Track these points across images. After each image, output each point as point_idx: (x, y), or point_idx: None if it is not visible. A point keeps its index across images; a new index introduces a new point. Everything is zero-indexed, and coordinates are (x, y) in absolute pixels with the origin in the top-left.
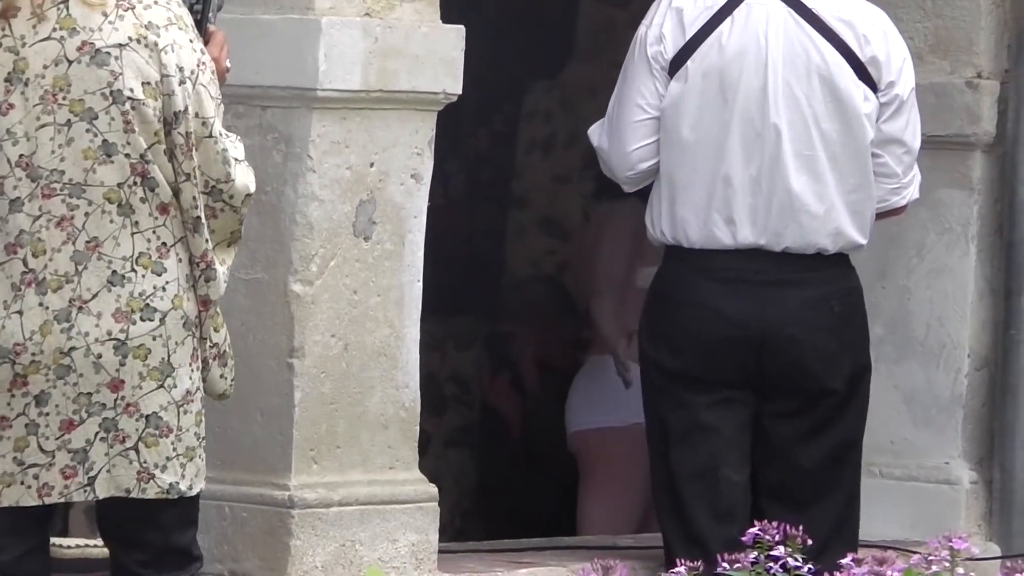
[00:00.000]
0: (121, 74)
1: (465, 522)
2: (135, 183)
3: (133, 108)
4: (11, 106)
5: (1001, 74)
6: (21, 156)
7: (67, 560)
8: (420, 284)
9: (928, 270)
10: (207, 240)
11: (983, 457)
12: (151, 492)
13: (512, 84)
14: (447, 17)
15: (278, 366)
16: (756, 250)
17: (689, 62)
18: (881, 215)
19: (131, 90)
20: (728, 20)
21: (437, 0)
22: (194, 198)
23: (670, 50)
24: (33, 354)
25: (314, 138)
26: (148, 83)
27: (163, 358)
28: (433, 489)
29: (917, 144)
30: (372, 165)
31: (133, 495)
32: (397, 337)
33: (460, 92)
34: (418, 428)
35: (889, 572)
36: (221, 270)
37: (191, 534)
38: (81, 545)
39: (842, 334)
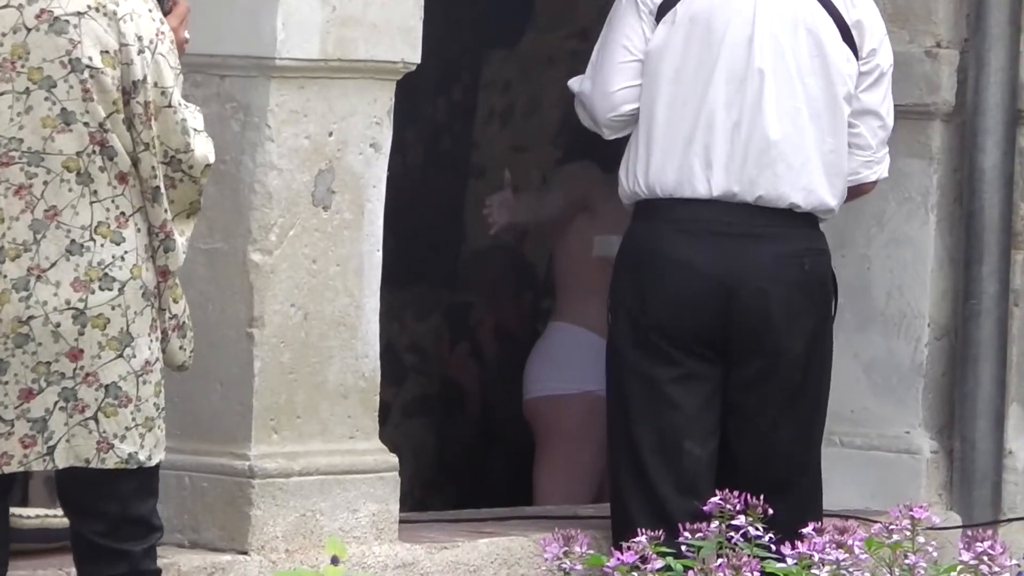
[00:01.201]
0: (80, 42)
1: (425, 492)
2: (94, 152)
3: (91, 76)
4: None
5: (960, 43)
6: None
7: (27, 530)
8: (379, 254)
9: (888, 239)
10: (166, 210)
11: (943, 426)
12: (110, 462)
13: (470, 54)
14: None
15: (237, 336)
16: (728, 202)
17: (678, 6)
18: (850, 191)
19: (89, 58)
20: None
21: None
22: (153, 168)
23: None
24: None
25: (272, 107)
26: (107, 52)
27: (122, 328)
28: (393, 459)
29: (891, 122)
30: (331, 134)
31: (92, 465)
32: (356, 307)
33: (419, 61)
34: (378, 398)
35: (850, 541)
36: (180, 241)
37: (151, 504)
38: (41, 515)
39: (810, 293)
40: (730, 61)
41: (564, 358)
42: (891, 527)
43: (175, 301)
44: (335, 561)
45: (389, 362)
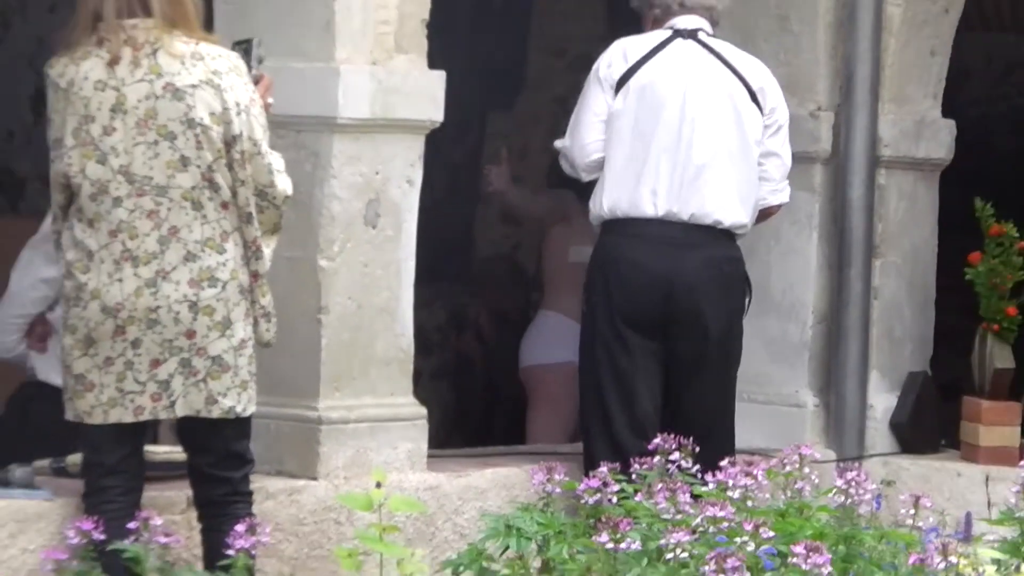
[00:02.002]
0: (194, 106)
1: (447, 435)
2: (204, 186)
3: (203, 131)
4: (114, 129)
5: (835, 107)
6: (121, 166)
7: (157, 463)
8: (413, 261)
9: (783, 250)
10: (256, 229)
11: (823, 387)
12: (215, 413)
13: (479, 113)
14: (432, 64)
15: (309, 320)
16: (670, 220)
17: (630, 81)
18: (761, 213)
19: (201, 119)
20: (659, 53)
21: (424, 53)
22: (247, 198)
23: (616, 74)
24: (129, 311)
25: (335, 154)
26: (213, 113)
27: (224, 315)
28: (423, 410)
29: (789, 161)
30: (378, 173)
31: (202, 415)
32: (396, 299)
33: (442, 119)
34: (412, 365)
35: (755, 472)
36: (267, 252)
37: (245, 444)
38: (167, 451)
39: (726, 288)
40: (670, 116)
41: (550, 337)
42: (785, 461)
43: (263, 296)
44: (379, 485)
45: (420, 339)
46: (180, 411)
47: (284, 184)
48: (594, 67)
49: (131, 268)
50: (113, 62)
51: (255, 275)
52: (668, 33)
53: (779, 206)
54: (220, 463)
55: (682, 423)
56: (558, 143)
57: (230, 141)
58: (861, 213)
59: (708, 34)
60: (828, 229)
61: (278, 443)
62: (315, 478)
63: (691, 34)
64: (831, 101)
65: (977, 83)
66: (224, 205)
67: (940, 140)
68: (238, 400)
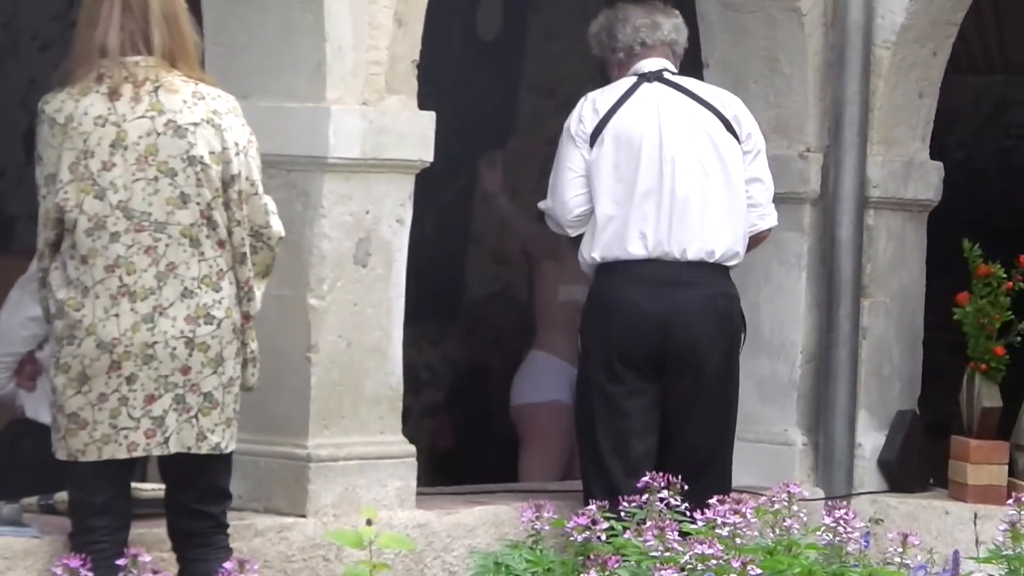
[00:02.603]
0: (195, 144)
1: (436, 472)
2: (202, 224)
3: (203, 169)
4: (114, 164)
5: (824, 148)
6: (120, 201)
7: (145, 500)
8: (403, 299)
9: (772, 290)
10: (249, 270)
11: (811, 426)
12: (204, 448)
13: (470, 153)
14: (423, 105)
15: (300, 358)
16: (662, 259)
17: (604, 132)
18: (752, 239)
19: (201, 157)
20: (629, 100)
21: (415, 93)
22: (242, 238)
23: (589, 127)
24: (126, 346)
25: (326, 193)
26: (213, 152)
27: (218, 352)
28: (412, 448)
29: (771, 184)
30: (368, 212)
31: (192, 451)
32: (386, 337)
33: (432, 159)
34: (401, 404)
35: (743, 509)
36: (258, 294)
37: (227, 479)
38: (155, 489)
39: (721, 323)
40: (648, 158)
41: (539, 377)
42: (773, 499)
43: (252, 340)
44: (369, 522)
45: (409, 377)
46: (173, 447)
47: (278, 226)
48: (566, 125)
49: (128, 303)
50: (114, 98)
51: (247, 317)
52: (633, 79)
53: (769, 230)
54: (205, 498)
55: (679, 461)
56: (541, 204)
57: (228, 181)
58: (850, 253)
59: (673, 73)
60: (817, 269)
61: (267, 481)
62: (304, 516)
63: (656, 76)
64: (820, 142)
65: (965, 125)
66: (221, 243)
67: (928, 181)
68: (223, 437)
